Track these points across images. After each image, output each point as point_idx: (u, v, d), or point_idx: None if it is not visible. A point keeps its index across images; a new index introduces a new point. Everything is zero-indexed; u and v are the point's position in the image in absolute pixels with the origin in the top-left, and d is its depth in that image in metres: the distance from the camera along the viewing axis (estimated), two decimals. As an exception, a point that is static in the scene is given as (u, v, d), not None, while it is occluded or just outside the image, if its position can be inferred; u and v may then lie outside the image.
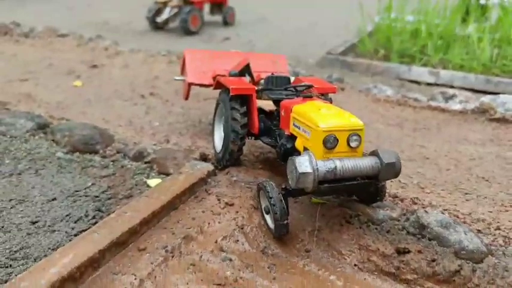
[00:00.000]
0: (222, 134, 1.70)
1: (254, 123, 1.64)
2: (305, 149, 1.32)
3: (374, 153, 1.29)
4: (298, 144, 1.39)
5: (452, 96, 2.53)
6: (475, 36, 3.29)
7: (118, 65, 3.27)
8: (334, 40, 4.03)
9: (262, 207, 1.42)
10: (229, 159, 1.68)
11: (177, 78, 2.20)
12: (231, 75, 1.85)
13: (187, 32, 4.51)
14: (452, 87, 2.96)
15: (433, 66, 3.23)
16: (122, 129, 2.18)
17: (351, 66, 3.36)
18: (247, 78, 1.93)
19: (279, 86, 1.73)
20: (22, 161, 1.85)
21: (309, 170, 1.20)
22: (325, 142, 1.24)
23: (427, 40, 3.42)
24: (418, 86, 3.14)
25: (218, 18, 5.10)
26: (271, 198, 1.33)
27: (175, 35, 4.64)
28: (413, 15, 3.72)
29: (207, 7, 5.01)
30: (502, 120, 2.36)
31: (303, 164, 1.21)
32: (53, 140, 2.00)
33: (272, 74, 1.82)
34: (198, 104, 2.60)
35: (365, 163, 1.25)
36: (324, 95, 1.65)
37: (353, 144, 1.26)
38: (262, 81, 1.87)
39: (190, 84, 2.10)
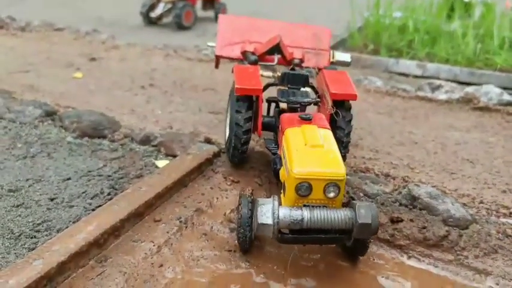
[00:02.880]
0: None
1: (258, 126, 1.57)
2: (283, 184, 1.24)
3: (351, 205, 1.18)
4: (282, 173, 1.29)
5: (438, 87, 2.68)
6: (459, 31, 3.44)
7: (116, 58, 3.35)
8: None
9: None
10: (231, 159, 1.67)
11: (209, 44, 2.04)
12: (249, 62, 1.73)
13: (181, 27, 4.61)
14: (438, 79, 3.11)
15: (420, 60, 3.38)
16: (126, 117, 2.28)
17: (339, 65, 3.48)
18: (276, 58, 1.79)
19: (296, 84, 1.63)
20: (34, 145, 1.94)
21: (269, 221, 1.13)
22: (297, 189, 1.15)
23: (414, 35, 3.57)
24: (406, 78, 3.29)
25: (210, 13, 5.20)
26: (239, 228, 1.26)
27: (169, 30, 4.73)
28: (400, 12, 3.87)
29: (199, 3, 5.11)
30: (485, 108, 2.50)
31: (264, 214, 1.14)
32: (61, 126, 2.09)
33: (293, 69, 1.72)
34: (196, 94, 2.71)
35: (338, 216, 1.14)
36: (343, 103, 1.56)
37: (330, 195, 1.15)
38: (295, 60, 1.77)
39: (217, 57, 1.98)
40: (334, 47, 3.73)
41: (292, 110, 1.54)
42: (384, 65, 3.38)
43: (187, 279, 1.24)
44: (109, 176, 1.71)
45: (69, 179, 1.70)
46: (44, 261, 1.16)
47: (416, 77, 3.29)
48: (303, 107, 1.58)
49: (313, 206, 1.16)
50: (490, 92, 2.56)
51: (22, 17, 4.48)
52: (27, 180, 1.69)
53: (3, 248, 1.34)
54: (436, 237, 1.36)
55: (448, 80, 3.03)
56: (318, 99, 1.58)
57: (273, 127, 1.61)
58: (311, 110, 1.72)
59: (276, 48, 1.76)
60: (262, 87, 1.53)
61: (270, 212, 1.14)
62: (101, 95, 2.63)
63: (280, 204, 1.19)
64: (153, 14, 4.75)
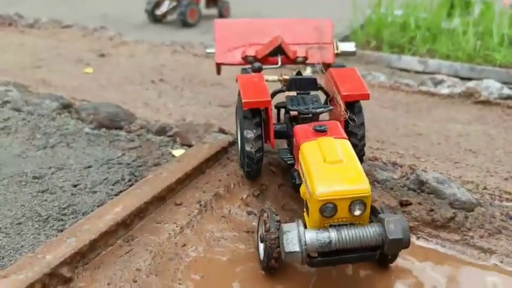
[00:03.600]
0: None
1: (270, 138, 1.50)
2: (306, 204, 1.19)
3: (378, 220, 1.14)
4: (303, 191, 1.24)
5: (440, 82, 2.76)
6: (459, 29, 3.53)
7: (124, 54, 3.42)
8: (327, 33, 4.24)
9: (259, 233, 1.28)
10: (247, 176, 1.62)
11: (208, 51, 1.92)
12: (253, 69, 1.64)
13: (186, 24, 4.69)
14: (439, 74, 3.19)
15: (421, 56, 3.46)
16: (140, 110, 2.35)
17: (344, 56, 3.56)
18: (279, 59, 1.73)
19: (304, 89, 1.57)
20: (53, 135, 2.01)
21: (296, 249, 1.09)
22: (321, 211, 1.10)
23: (415, 32, 3.66)
24: (408, 73, 3.37)
25: (214, 11, 5.28)
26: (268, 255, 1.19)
27: (174, 27, 4.80)
28: (401, 10, 3.95)
29: (202, 0, 5.18)
30: (486, 102, 2.58)
31: (290, 241, 1.10)
32: (78, 118, 2.17)
33: (299, 73, 1.66)
34: (205, 89, 2.78)
35: (367, 234, 1.10)
36: (353, 104, 1.51)
37: (356, 213, 1.11)
38: (299, 58, 1.74)
39: (218, 64, 1.89)
40: (338, 44, 3.81)
41: (304, 119, 1.48)
42: (386, 61, 3.46)
43: (209, 258, 1.32)
44: (128, 164, 1.79)
45: (90, 166, 1.77)
46: (76, 239, 1.23)
47: (417, 72, 3.37)
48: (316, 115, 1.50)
49: (340, 226, 1.12)
50: (491, 87, 2.64)
51: (26, 15, 4.55)
52: (50, 168, 1.76)
53: (33, 230, 1.41)
54: (443, 219, 1.43)
55: (449, 76, 3.11)
56: (331, 107, 1.51)
57: (286, 135, 1.56)
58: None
59: (278, 49, 1.71)
60: (270, 98, 1.46)
61: (296, 238, 1.10)
62: (113, 89, 2.70)
63: (305, 225, 1.15)
64: (158, 12, 4.83)
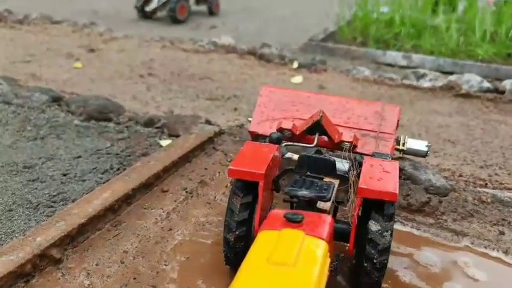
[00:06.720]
0: None
1: (255, 224, 1.14)
2: None
3: None
4: None
5: (423, 75, 2.84)
6: (443, 25, 3.61)
7: (114, 49, 3.46)
8: (315, 28, 4.31)
9: None
10: (225, 260, 1.20)
11: (250, 119, 1.63)
12: (271, 140, 1.33)
13: (175, 20, 4.73)
14: (423, 69, 3.27)
15: (406, 51, 3.54)
16: (128, 103, 2.40)
17: (331, 51, 3.64)
18: (316, 138, 1.36)
19: (317, 172, 1.24)
20: (43, 127, 2.06)
21: None
22: None
23: (400, 28, 3.74)
24: (393, 68, 3.45)
25: (203, 8, 5.32)
26: None
27: (164, 23, 4.84)
28: (387, 7, 4.03)
29: (192, -3, 5.23)
30: (467, 95, 2.67)
31: None
32: (68, 111, 2.21)
33: (319, 151, 1.37)
34: (194, 82, 2.83)
35: None
36: (382, 206, 1.07)
37: None
38: (344, 144, 1.32)
39: (252, 133, 1.59)
40: (324, 40, 3.88)
41: (296, 207, 1.18)
42: (371, 56, 3.54)
43: (194, 241, 1.37)
44: (117, 154, 1.84)
45: (79, 157, 1.82)
46: (66, 222, 1.28)
47: (402, 67, 3.45)
48: (307, 202, 1.17)
49: None
50: (471, 80, 2.72)
51: (16, 11, 4.57)
52: (40, 158, 1.81)
53: (24, 216, 1.46)
54: (419, 203, 1.50)
55: (432, 70, 3.19)
56: (324, 194, 1.13)
57: None
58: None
59: (317, 126, 1.33)
60: (264, 172, 1.11)
61: None
62: (102, 83, 2.75)
63: None
64: (148, 8, 4.86)
